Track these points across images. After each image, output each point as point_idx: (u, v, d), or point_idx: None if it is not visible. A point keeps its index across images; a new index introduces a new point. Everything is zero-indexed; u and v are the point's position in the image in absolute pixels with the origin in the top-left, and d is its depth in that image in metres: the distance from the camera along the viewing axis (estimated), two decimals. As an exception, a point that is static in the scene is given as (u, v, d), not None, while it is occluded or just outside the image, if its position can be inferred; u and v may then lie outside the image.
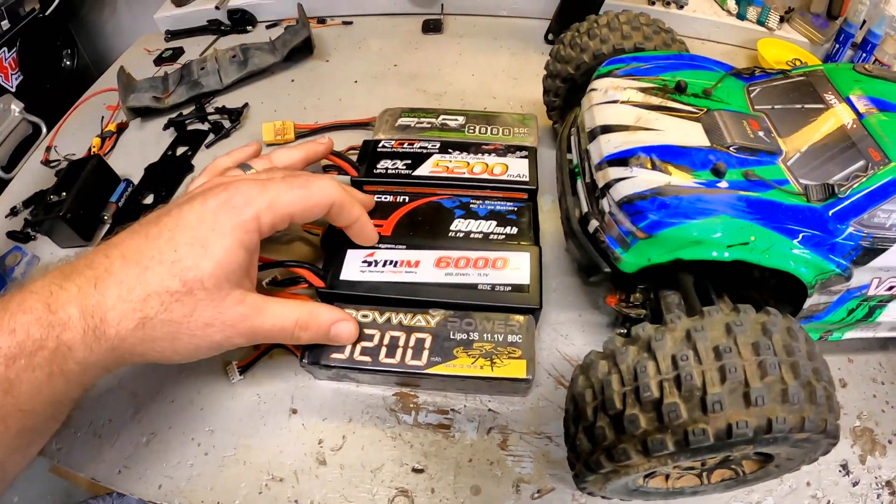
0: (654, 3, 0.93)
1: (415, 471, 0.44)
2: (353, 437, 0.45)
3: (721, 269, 0.42)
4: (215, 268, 0.37)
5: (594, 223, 0.42)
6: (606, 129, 0.44)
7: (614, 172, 0.41)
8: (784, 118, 0.46)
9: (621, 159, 0.41)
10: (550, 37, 0.83)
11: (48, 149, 0.74)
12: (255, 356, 0.49)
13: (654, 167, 0.40)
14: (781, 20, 1.00)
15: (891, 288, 0.44)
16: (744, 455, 0.39)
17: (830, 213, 0.39)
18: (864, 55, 0.96)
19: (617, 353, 0.34)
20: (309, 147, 0.53)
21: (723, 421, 0.29)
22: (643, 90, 0.47)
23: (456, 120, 0.60)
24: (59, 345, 0.33)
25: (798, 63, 0.91)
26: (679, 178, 0.39)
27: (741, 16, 0.99)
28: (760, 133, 0.44)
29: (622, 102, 0.45)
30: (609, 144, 0.42)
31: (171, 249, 0.36)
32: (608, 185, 0.41)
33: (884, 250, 0.41)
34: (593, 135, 0.44)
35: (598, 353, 0.37)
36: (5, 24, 0.69)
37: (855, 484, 0.49)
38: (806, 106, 0.46)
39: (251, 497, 0.43)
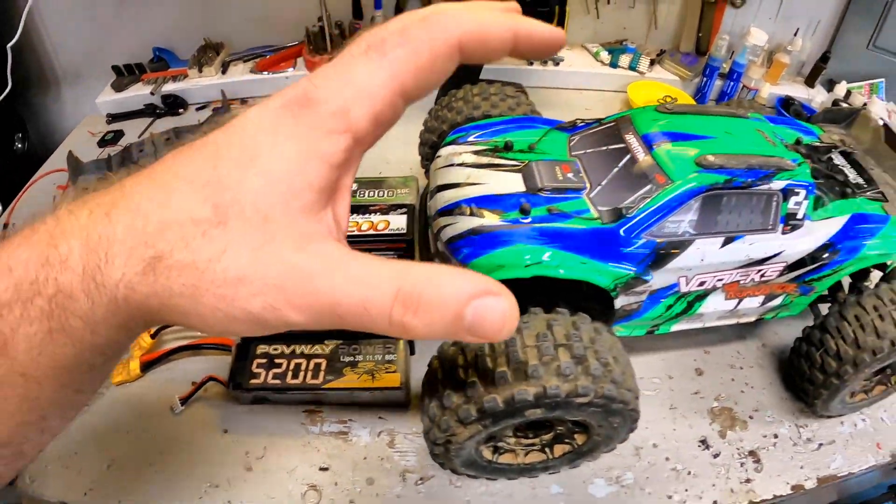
0: (532, 64, 1.06)
1: (321, 469, 0.56)
2: (273, 447, 0.57)
3: (548, 291, 0.49)
4: (265, 186, 0.25)
5: (437, 261, 0.55)
6: (442, 188, 0.54)
7: (443, 221, 0.51)
8: (592, 160, 0.55)
9: (449, 210, 0.51)
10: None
11: (5, 226, 0.82)
12: (193, 390, 0.60)
13: (471, 214, 0.50)
14: (652, 63, 1.11)
15: (702, 283, 0.53)
16: (567, 428, 0.50)
17: (621, 230, 0.49)
18: (732, 83, 1.09)
19: (443, 356, 0.47)
20: None
21: (508, 391, 0.40)
22: (476, 152, 0.57)
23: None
24: (57, 291, 0.23)
25: (668, 99, 1.02)
26: (489, 220, 0.49)
27: (613, 64, 1.10)
28: (570, 175, 0.53)
29: (457, 165, 0.55)
30: (442, 199, 0.53)
31: (210, 166, 0.25)
32: (440, 231, 0.52)
33: (679, 253, 0.50)
34: (432, 194, 0.55)
35: (435, 356, 0.48)
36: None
37: (716, 456, 0.58)
38: (610, 147, 0.55)
39: (191, 500, 0.53)
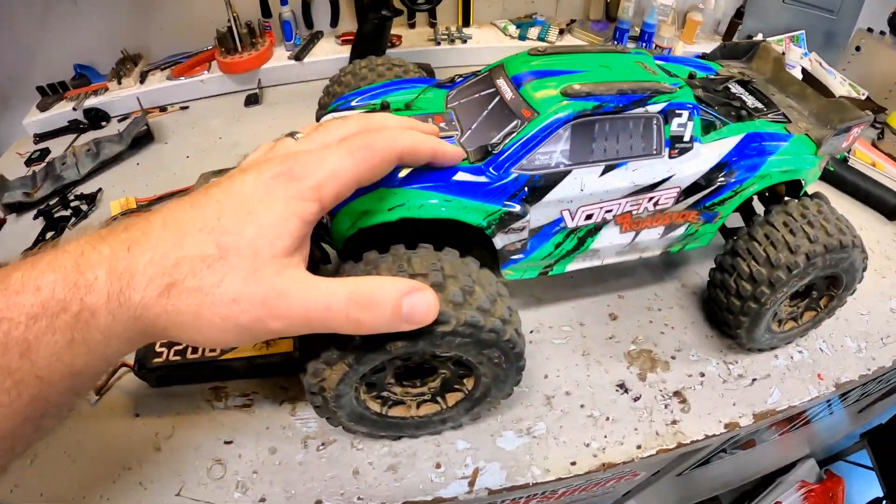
0: (439, 44, 1.08)
1: (226, 443, 0.57)
2: (181, 426, 0.59)
3: (440, 235, 0.48)
4: (257, 233, 0.33)
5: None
6: None
7: None
8: (465, 108, 0.54)
9: None
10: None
11: None
12: (106, 380, 0.61)
13: None
14: (561, 32, 1.12)
15: (589, 217, 0.52)
16: (451, 372, 0.49)
17: (491, 168, 0.48)
18: (645, 44, 1.10)
19: None
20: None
21: None
22: None
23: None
24: (83, 308, 0.30)
25: None
26: None
27: (522, 37, 1.11)
28: (443, 124, 0.52)
29: None
30: None
31: (215, 217, 0.33)
32: None
33: (555, 185, 0.49)
34: None
35: None
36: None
37: (637, 399, 0.58)
38: (481, 94, 0.54)
39: (109, 487, 0.54)
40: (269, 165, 0.36)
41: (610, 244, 0.56)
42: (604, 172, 0.50)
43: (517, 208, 0.49)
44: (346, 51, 1.06)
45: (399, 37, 1.12)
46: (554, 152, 0.48)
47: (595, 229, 0.54)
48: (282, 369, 0.62)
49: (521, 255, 0.54)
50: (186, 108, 1.07)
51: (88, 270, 0.31)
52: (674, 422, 0.56)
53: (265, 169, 0.35)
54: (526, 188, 0.49)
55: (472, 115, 0.53)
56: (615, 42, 1.11)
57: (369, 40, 0.93)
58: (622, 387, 0.59)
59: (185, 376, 0.61)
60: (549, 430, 0.57)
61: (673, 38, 1.13)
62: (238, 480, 0.55)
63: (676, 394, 0.58)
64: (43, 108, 1.05)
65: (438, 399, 0.52)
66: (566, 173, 0.49)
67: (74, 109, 1.04)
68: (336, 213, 0.47)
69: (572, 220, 0.53)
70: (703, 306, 0.66)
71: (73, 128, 1.04)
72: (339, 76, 0.72)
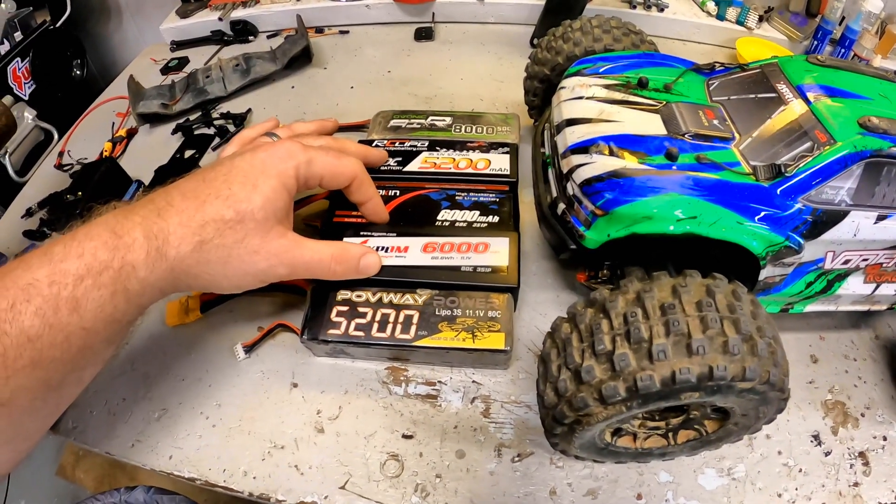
0: (635, 7, 0.97)
1: (404, 437, 0.48)
2: (349, 408, 0.49)
3: (682, 250, 0.45)
4: (264, 202, 0.41)
5: (561, 206, 0.47)
6: (571, 122, 0.48)
7: (577, 159, 0.45)
8: (739, 108, 0.49)
9: (583, 148, 0.45)
10: (535, 41, 0.87)
11: (61, 154, 0.78)
12: (259, 336, 0.53)
13: (611, 153, 0.44)
14: (760, 20, 1.02)
15: (846, 262, 0.47)
16: (702, 414, 0.42)
17: (778, 190, 0.43)
18: (843, 51, 0.98)
19: (577, 315, 0.38)
20: (320, 123, 0.61)
21: (667, 368, 0.33)
22: (607, 87, 0.50)
23: (444, 120, 0.65)
24: (124, 264, 0.36)
25: None
26: (633, 163, 0.43)
27: (720, 16, 1.01)
28: (715, 121, 0.47)
29: (587, 98, 0.49)
30: (573, 135, 0.46)
31: (225, 188, 0.41)
32: (571, 171, 0.45)
33: (833, 224, 0.44)
34: (560, 128, 0.48)
35: (562, 317, 0.41)
36: (18, 36, 0.73)
37: (827, 454, 0.51)
38: (760, 96, 0.49)
39: (255, 464, 0.46)
40: (262, 148, 0.45)
41: (852, 292, 0.51)
42: (878, 220, 0.45)
43: (798, 242, 0.44)
44: (534, -2, 0.93)
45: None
46: (841, 188, 0.44)
47: (845, 275, 0.50)
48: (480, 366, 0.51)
49: (773, 290, 0.49)
50: (346, 32, 0.96)
51: (126, 234, 0.37)
52: (855, 484, 0.50)
53: (259, 150, 0.44)
54: (808, 222, 0.44)
55: (750, 118, 0.48)
56: (815, 42, 1.00)
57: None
58: (816, 438, 0.52)
59: (361, 354, 0.51)
60: (747, 473, 0.50)
61: (871, 51, 1.00)
62: (417, 483, 0.46)
63: (861, 455, 0.52)
64: (183, 14, 0.97)
65: (670, 435, 0.46)
66: (845, 213, 0.44)
67: (220, 20, 0.95)
68: (611, 209, 0.42)
69: (832, 261, 0.48)
70: (893, 364, 0.59)
71: (216, 39, 0.95)
72: (565, 31, 0.61)
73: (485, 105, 0.79)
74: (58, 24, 0.88)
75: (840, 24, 0.97)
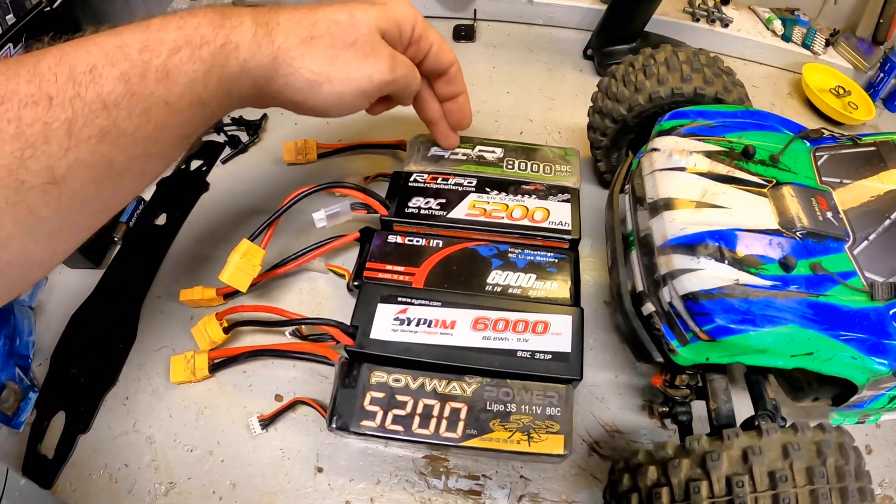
0: (698, 20, 0.88)
1: None
2: (381, 501, 0.44)
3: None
4: (378, 19, 0.41)
5: (650, 307, 0.39)
6: (670, 205, 0.39)
7: (679, 261, 0.37)
8: (853, 196, 0.42)
9: (689, 246, 0.37)
10: (589, 52, 0.78)
11: None
12: (278, 410, 0.46)
13: (721, 257, 0.36)
14: (827, 44, 0.95)
15: None
16: None
17: (892, 311, 0.37)
18: None
19: (669, 464, 0.32)
20: None
21: None
22: (709, 154, 0.43)
23: (493, 153, 0.57)
24: (227, 42, 0.34)
25: (841, 91, 0.87)
26: (748, 276, 0.36)
27: (786, 37, 0.93)
28: (829, 214, 0.40)
29: (688, 171, 0.41)
30: (674, 225, 0.38)
31: (340, 4, 0.41)
32: (671, 275, 0.37)
33: None
34: (655, 208, 0.40)
35: (647, 453, 0.35)
36: (10, 19, 0.64)
37: None
38: (877, 185, 0.42)
39: None
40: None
41: None
42: None
43: None
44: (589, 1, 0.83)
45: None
46: None
47: None
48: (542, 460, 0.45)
49: (858, 405, 0.43)
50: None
51: (234, 16, 0.35)
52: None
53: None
54: None
55: (866, 213, 0.40)
56: (881, 74, 0.92)
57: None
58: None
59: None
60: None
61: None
62: None
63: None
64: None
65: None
66: None
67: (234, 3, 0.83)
68: (720, 338, 0.35)
69: None
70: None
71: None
72: (646, 64, 0.52)
73: (535, 128, 0.70)
74: (55, 6, 0.78)
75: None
